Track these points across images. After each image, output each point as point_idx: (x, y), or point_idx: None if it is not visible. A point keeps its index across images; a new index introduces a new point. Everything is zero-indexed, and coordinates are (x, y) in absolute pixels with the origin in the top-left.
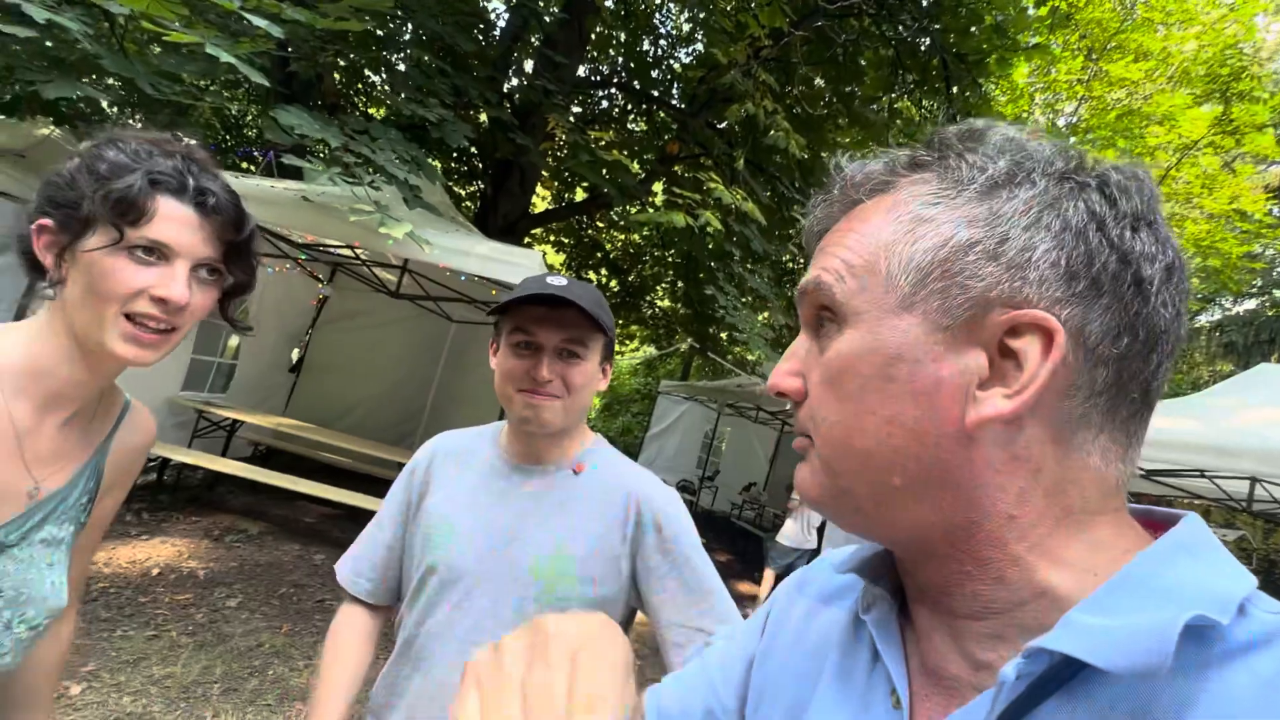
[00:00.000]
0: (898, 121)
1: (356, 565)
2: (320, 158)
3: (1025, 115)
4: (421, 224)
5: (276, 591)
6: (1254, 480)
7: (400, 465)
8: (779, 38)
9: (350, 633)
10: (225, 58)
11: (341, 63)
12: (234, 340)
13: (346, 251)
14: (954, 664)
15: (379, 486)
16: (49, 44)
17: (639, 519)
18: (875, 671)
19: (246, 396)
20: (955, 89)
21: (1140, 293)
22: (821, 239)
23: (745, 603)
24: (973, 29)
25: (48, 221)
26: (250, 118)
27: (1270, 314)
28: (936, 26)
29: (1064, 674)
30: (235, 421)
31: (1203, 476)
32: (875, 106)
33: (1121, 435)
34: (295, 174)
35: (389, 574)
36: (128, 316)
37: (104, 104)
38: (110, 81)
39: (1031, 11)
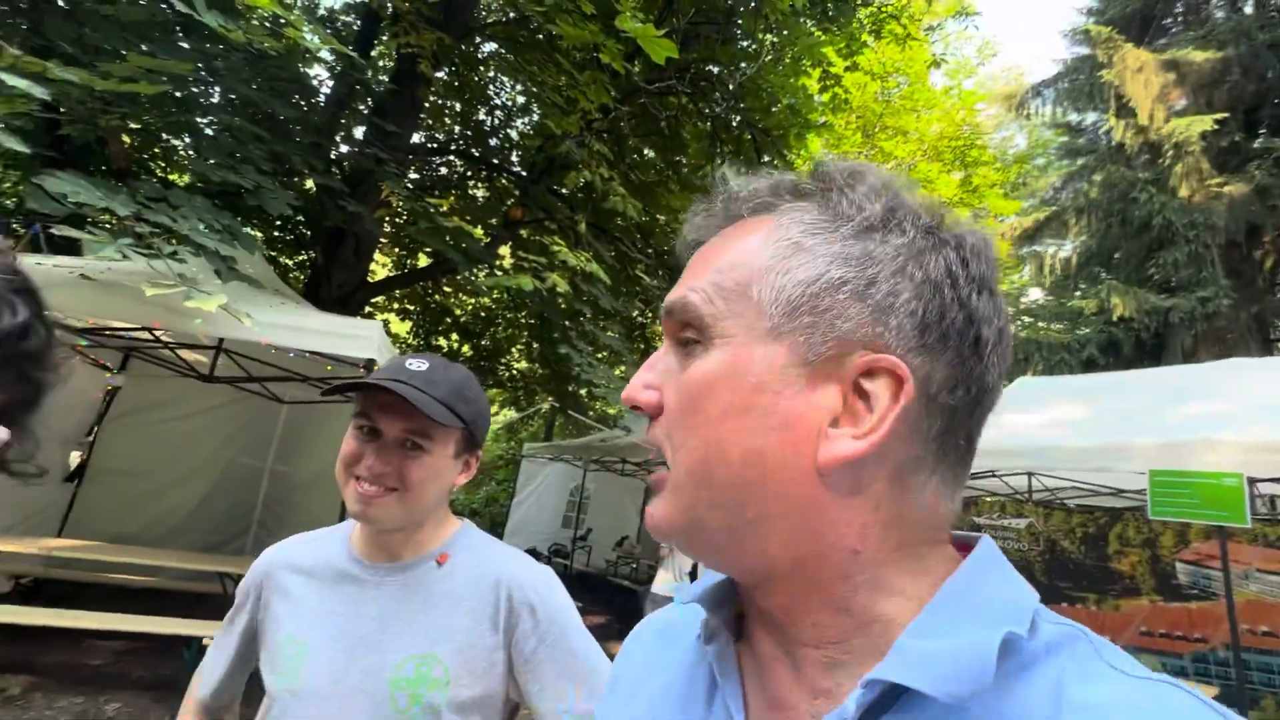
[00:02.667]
0: (723, 188)
1: (210, 665)
2: (106, 229)
3: None
4: (239, 297)
5: None
6: (1030, 474)
7: (221, 575)
8: (608, 112)
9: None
10: None
11: (134, 125)
12: None
13: (143, 334)
14: (793, 692)
15: (197, 605)
16: None
17: (511, 605)
18: (715, 701)
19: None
20: (765, 159)
21: (977, 351)
22: (696, 250)
23: None
24: (773, 108)
25: None
26: (9, 185)
27: (1023, 335)
28: (744, 105)
29: (892, 697)
30: None
31: (993, 476)
32: (701, 173)
33: (950, 476)
34: (71, 249)
35: (230, 681)
36: None
37: None
38: None
39: (817, 98)
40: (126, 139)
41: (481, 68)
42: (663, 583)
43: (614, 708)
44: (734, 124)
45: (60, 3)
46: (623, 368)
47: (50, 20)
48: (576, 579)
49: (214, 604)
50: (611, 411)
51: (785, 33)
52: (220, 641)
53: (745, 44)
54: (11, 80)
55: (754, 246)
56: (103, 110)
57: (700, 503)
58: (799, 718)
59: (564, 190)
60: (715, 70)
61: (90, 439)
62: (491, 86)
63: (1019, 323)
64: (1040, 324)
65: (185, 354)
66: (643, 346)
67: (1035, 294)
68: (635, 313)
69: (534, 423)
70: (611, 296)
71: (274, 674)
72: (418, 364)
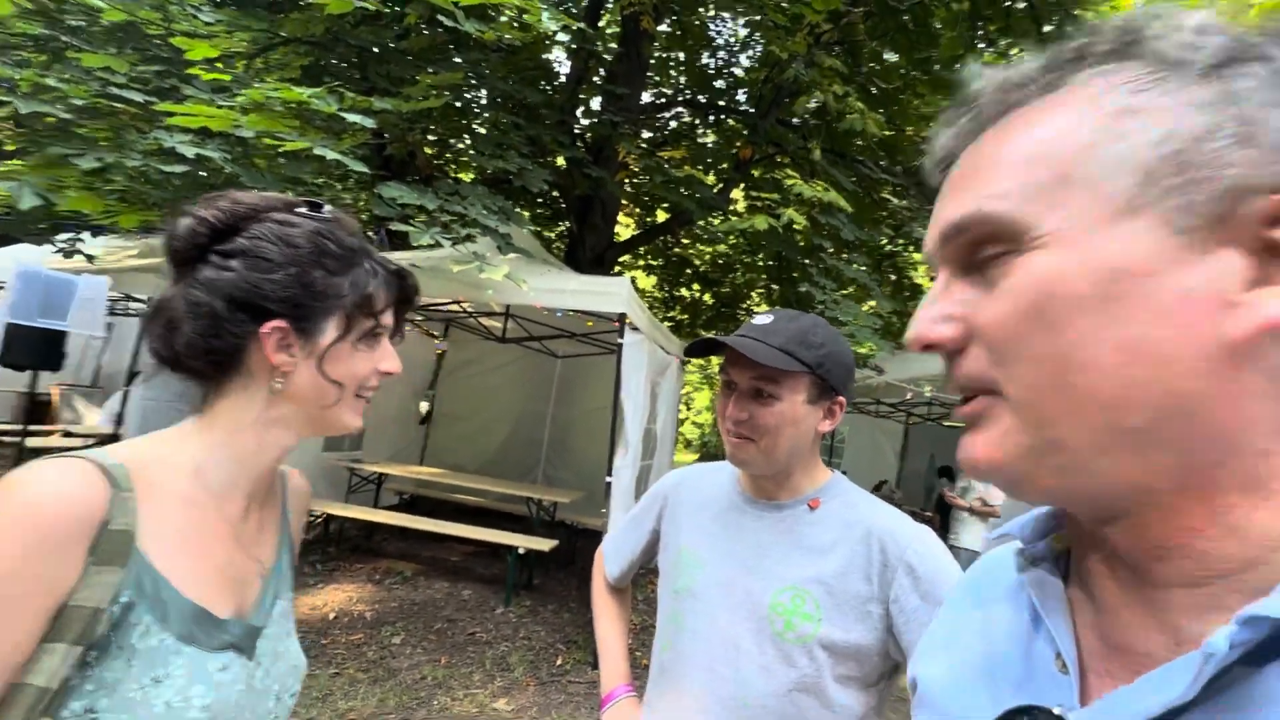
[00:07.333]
0: (979, 82)
1: (615, 550)
2: (422, 223)
3: None
4: (515, 268)
5: (433, 627)
6: None
7: (526, 499)
8: (838, 19)
9: (609, 597)
10: (331, 155)
11: (431, 137)
12: None
13: (455, 307)
14: (1148, 638)
15: (511, 522)
16: (202, 174)
17: (885, 559)
18: (1038, 634)
19: (382, 451)
20: (1047, 28)
21: None
22: (957, 163)
23: None
24: None
25: (282, 323)
26: (362, 202)
27: None
28: None
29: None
30: (381, 475)
31: None
32: (958, 66)
33: None
34: (404, 244)
35: (632, 566)
36: (357, 394)
37: None
38: None
39: None
40: (427, 149)
41: (700, 8)
42: (977, 537)
43: (928, 661)
44: None
45: (374, 49)
46: (872, 302)
47: (371, 64)
48: None
49: (522, 522)
50: (862, 350)
51: None
52: (626, 536)
53: None
54: (352, 117)
55: (1064, 126)
56: (409, 128)
57: (1059, 421)
58: (1154, 665)
59: (794, 119)
60: None
61: (432, 393)
62: (712, 26)
63: None
64: None
65: (485, 321)
66: (893, 277)
67: None
68: (884, 241)
69: None
70: (855, 226)
71: (673, 576)
72: (763, 318)
